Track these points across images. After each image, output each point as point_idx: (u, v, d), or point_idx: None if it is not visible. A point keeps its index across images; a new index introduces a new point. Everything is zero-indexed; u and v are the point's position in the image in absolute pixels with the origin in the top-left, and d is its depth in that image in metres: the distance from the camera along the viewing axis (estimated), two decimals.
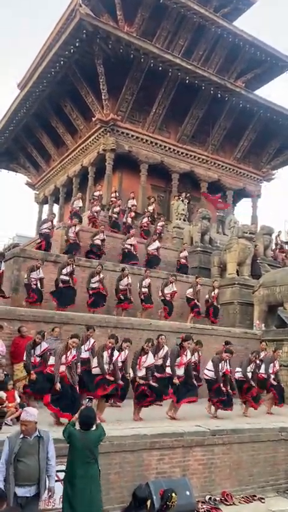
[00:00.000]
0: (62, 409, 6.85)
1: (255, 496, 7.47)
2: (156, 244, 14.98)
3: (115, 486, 6.27)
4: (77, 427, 4.98)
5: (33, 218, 36.07)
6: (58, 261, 12.24)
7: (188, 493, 6.47)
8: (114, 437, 6.40)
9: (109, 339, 7.82)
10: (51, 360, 7.30)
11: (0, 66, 70.90)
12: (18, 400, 7.30)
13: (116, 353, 7.89)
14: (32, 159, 26.23)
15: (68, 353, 7.13)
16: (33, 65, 22.56)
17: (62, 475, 5.72)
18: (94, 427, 5.03)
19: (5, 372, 7.82)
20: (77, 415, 5.08)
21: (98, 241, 14.06)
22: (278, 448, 8.20)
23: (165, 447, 6.82)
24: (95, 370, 7.72)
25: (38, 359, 7.80)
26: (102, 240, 14.18)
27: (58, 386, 6.92)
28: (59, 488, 5.48)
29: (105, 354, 7.66)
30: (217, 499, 7.07)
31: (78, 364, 7.55)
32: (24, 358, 7.80)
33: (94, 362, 7.81)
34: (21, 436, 4.48)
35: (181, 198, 19.82)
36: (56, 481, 5.61)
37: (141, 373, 7.96)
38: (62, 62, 18.33)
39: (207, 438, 7.31)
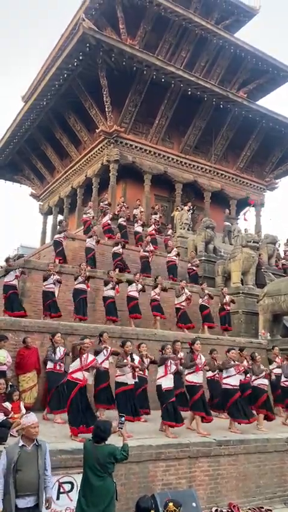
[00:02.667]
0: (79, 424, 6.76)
1: (262, 507, 7.40)
2: (175, 251, 15.17)
3: (121, 498, 6.20)
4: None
5: (38, 229, 36.37)
6: (62, 272, 12.28)
7: (194, 504, 6.43)
8: None
9: (125, 345, 7.73)
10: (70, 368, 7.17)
11: (5, 78, 71.85)
12: (23, 411, 7.28)
13: (135, 357, 7.84)
14: (37, 170, 26.45)
15: (84, 356, 7.00)
16: (37, 78, 22.88)
17: (67, 487, 5.71)
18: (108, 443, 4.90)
19: (11, 383, 7.82)
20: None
21: (118, 251, 14.20)
22: (285, 458, 8.15)
23: (171, 458, 6.79)
24: (120, 379, 7.53)
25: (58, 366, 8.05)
26: (122, 253, 14.33)
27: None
28: (64, 501, 5.46)
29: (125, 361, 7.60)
30: (224, 510, 7.01)
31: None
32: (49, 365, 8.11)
33: (119, 370, 7.60)
34: (21, 444, 4.42)
35: (186, 208, 19.91)
36: (62, 492, 5.60)
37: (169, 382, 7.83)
38: (65, 75, 18.57)
39: (213, 449, 7.27)
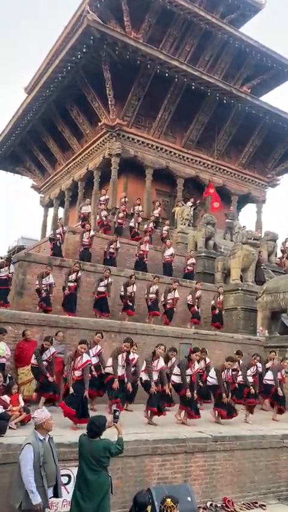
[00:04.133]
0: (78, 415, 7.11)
1: (256, 502, 7.50)
2: (171, 250, 15.09)
3: (117, 491, 6.29)
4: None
5: (39, 221, 36.35)
6: (63, 266, 12.33)
7: (189, 498, 6.51)
8: None
9: (124, 343, 8.28)
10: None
11: (8, 69, 71.43)
12: (22, 403, 7.34)
13: (132, 355, 8.47)
14: (38, 162, 26.40)
15: (78, 358, 7.36)
16: (41, 70, 22.76)
17: (64, 479, 5.79)
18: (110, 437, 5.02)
19: (10, 376, 7.89)
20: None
21: (112, 250, 14.14)
22: (280, 455, 8.23)
23: (167, 453, 6.87)
24: (107, 369, 8.23)
25: (45, 363, 7.95)
26: (117, 249, 14.26)
27: (71, 390, 7.20)
28: (62, 493, 5.54)
29: (120, 357, 8.12)
30: (218, 505, 7.10)
31: (92, 367, 7.93)
32: (33, 361, 8.03)
33: (109, 362, 8.28)
34: (41, 437, 4.60)
35: (189, 203, 19.90)
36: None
37: (155, 377, 8.19)
38: (69, 67, 18.48)
39: (209, 444, 7.35)
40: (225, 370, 8.90)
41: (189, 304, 13.30)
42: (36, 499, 4.32)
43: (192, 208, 19.89)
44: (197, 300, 13.25)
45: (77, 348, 7.49)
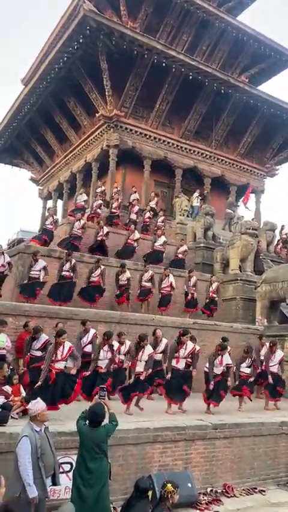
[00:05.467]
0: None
1: (255, 488, 7.62)
2: (163, 239, 15.09)
3: (118, 478, 6.42)
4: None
5: (38, 213, 36.35)
6: (61, 257, 12.37)
7: (190, 485, 6.63)
8: (118, 431, 6.49)
9: (104, 336, 8.46)
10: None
11: (5, 61, 70.84)
12: (23, 394, 7.44)
13: (115, 344, 8.59)
14: (36, 154, 26.33)
15: (60, 348, 7.30)
16: (37, 61, 22.60)
17: (66, 467, 5.89)
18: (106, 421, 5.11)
19: (11, 367, 7.97)
20: (91, 405, 5.20)
21: (100, 238, 14.14)
22: (279, 441, 8.35)
23: (168, 440, 6.97)
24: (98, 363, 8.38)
25: (39, 353, 7.96)
26: (106, 234, 14.23)
27: (39, 384, 7.14)
28: (63, 480, 5.64)
29: (102, 352, 8.33)
30: (218, 491, 7.22)
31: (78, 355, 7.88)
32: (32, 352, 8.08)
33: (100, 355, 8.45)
34: (37, 429, 4.62)
35: (196, 194, 19.88)
36: (61, 472, 5.77)
37: (140, 367, 8.27)
38: (65, 58, 18.36)
39: (209, 432, 7.45)
40: (219, 357, 8.92)
41: (186, 293, 13.36)
42: (33, 491, 4.35)
43: (199, 199, 19.89)
44: (193, 288, 13.28)
45: (56, 340, 7.31)
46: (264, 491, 7.59)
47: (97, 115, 19.38)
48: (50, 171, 25.86)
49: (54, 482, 4.84)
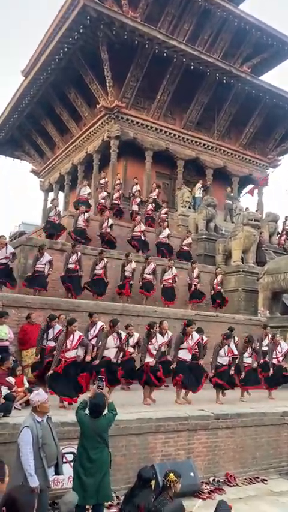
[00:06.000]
0: (61, 393, 7.17)
1: (258, 477, 7.67)
2: (167, 231, 15.07)
3: (121, 468, 6.47)
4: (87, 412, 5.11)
5: (39, 206, 36.32)
6: (64, 249, 12.37)
7: (192, 474, 6.68)
8: (120, 421, 6.56)
9: (110, 323, 8.28)
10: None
11: (5, 51, 70.40)
12: (26, 385, 7.49)
13: (123, 334, 8.47)
14: (37, 146, 26.23)
15: (71, 337, 7.34)
16: (37, 52, 22.40)
17: (69, 457, 5.93)
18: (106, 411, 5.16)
19: (14, 358, 8.01)
20: (90, 395, 5.20)
21: (105, 229, 14.08)
22: (281, 431, 8.38)
23: (170, 431, 7.01)
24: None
25: (53, 343, 8.00)
26: (110, 226, 14.17)
27: (51, 372, 7.22)
28: (66, 469, 5.68)
29: (111, 339, 8.13)
30: (221, 480, 7.28)
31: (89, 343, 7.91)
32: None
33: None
34: (39, 420, 4.65)
35: (199, 185, 19.82)
36: (64, 462, 5.82)
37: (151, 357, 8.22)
38: (66, 49, 18.21)
39: (211, 422, 7.49)
40: (225, 347, 8.96)
41: (189, 284, 13.34)
42: (34, 481, 4.39)
43: (201, 190, 19.82)
44: (196, 280, 13.27)
45: (68, 328, 7.40)
46: (266, 480, 7.65)
47: (98, 106, 19.27)
48: (51, 163, 25.78)
49: (57, 472, 4.89)
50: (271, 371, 9.89)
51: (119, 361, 8.37)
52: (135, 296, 12.69)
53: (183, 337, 8.56)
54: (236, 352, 9.25)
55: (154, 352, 8.18)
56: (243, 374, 9.42)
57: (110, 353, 8.18)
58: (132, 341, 9.18)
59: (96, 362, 8.08)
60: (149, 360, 8.18)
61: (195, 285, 13.28)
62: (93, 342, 8.63)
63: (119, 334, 8.35)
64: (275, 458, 8.21)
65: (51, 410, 5.01)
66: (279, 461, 8.26)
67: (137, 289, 12.60)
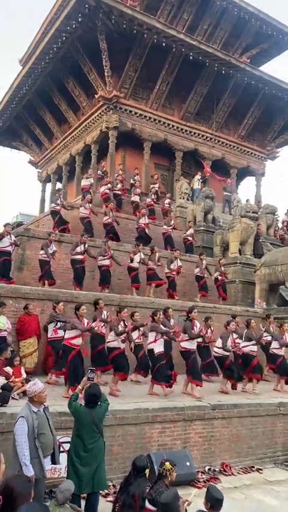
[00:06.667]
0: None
1: (253, 467, 7.78)
2: (172, 223, 15.21)
3: (118, 457, 6.56)
4: (82, 402, 5.15)
5: (37, 196, 36.20)
6: (62, 240, 12.37)
7: (188, 463, 6.76)
8: (117, 411, 6.65)
9: (122, 311, 8.29)
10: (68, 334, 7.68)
11: (2, 41, 69.67)
12: (24, 375, 7.53)
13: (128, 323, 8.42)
14: (35, 136, 26.07)
15: (84, 321, 7.52)
16: (35, 41, 22.15)
17: (66, 446, 5.99)
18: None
19: (12, 349, 8.04)
20: (80, 387, 5.25)
21: (108, 221, 14.07)
22: (276, 422, 8.48)
23: (167, 421, 7.08)
24: (112, 344, 8.12)
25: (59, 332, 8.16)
26: (111, 222, 14.17)
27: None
28: (63, 459, 5.74)
29: (120, 327, 8.12)
30: (216, 469, 7.37)
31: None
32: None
33: (110, 336, 8.18)
34: (35, 409, 4.68)
35: (198, 176, 19.80)
36: (62, 451, 5.87)
37: (160, 347, 8.23)
38: (64, 38, 18.03)
39: (207, 412, 7.57)
40: (230, 335, 9.00)
41: (198, 276, 13.27)
42: (30, 471, 4.42)
43: (200, 181, 19.79)
44: (205, 271, 13.26)
45: (77, 313, 7.56)
46: (261, 469, 7.75)
47: (96, 96, 19.13)
48: (49, 154, 25.65)
49: (54, 461, 4.93)
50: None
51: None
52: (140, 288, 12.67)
53: (191, 323, 8.52)
54: (238, 341, 9.31)
55: (161, 343, 8.22)
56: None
57: (119, 343, 8.14)
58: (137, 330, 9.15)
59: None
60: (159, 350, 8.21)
61: (206, 277, 13.28)
62: (103, 330, 8.60)
63: (124, 323, 8.33)
64: (270, 448, 8.31)
65: (49, 400, 5.05)
66: (274, 450, 8.37)
67: (143, 281, 12.60)
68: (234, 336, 9.21)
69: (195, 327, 8.50)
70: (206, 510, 4.02)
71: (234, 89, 20.90)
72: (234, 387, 9.28)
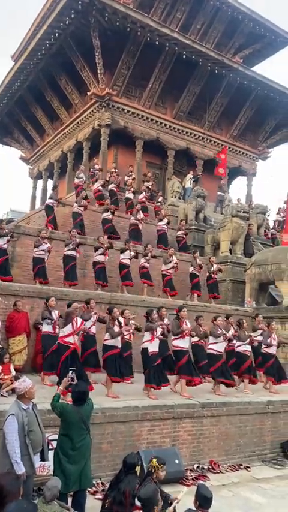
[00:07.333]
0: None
1: (241, 465, 7.82)
2: (165, 221, 15.14)
3: (107, 455, 6.55)
4: (65, 399, 5.14)
5: (28, 193, 35.97)
6: (53, 238, 12.30)
7: (177, 461, 6.78)
8: (107, 409, 6.64)
9: (112, 311, 8.05)
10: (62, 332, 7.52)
11: None
12: (13, 372, 7.49)
13: (121, 319, 8.13)
14: (26, 133, 25.92)
15: (75, 320, 7.38)
16: (28, 36, 22.04)
17: (55, 444, 5.97)
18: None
19: (1, 346, 8.00)
20: (62, 388, 5.22)
21: (108, 217, 14.04)
22: (265, 420, 8.53)
23: (156, 418, 7.09)
24: (109, 342, 7.84)
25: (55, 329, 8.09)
26: (113, 212, 14.16)
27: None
28: (52, 456, 5.73)
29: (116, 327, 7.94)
30: (205, 467, 7.40)
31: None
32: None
33: (106, 335, 7.94)
34: (24, 407, 4.67)
35: (190, 175, 19.83)
36: (50, 449, 5.85)
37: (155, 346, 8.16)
38: (57, 34, 17.93)
39: (196, 410, 7.59)
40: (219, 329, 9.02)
41: (193, 274, 13.17)
42: (20, 468, 4.43)
43: (192, 181, 19.83)
44: (199, 269, 13.24)
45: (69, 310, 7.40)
46: (249, 467, 7.80)
47: (89, 93, 19.06)
48: (41, 150, 25.52)
49: (43, 458, 4.94)
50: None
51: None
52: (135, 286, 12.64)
53: (179, 322, 8.52)
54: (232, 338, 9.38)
55: (156, 343, 8.14)
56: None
57: (117, 342, 7.92)
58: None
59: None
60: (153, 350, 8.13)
61: (199, 275, 13.27)
62: (93, 329, 8.38)
63: (119, 323, 8.09)
64: (258, 446, 8.36)
65: (37, 398, 5.04)
66: (262, 449, 8.42)
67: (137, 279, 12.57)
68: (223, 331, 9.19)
69: (184, 325, 8.49)
70: (195, 509, 4.04)
71: (226, 89, 20.96)
72: (252, 382, 9.43)
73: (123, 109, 19.45)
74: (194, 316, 10.13)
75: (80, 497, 5.02)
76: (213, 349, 8.96)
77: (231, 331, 9.45)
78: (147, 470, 4.63)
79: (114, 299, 10.81)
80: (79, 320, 7.48)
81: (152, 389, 7.85)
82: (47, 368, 8.03)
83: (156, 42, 18.09)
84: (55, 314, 8.34)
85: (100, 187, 16.25)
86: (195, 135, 21.62)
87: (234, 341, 9.62)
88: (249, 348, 9.60)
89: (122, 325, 7.99)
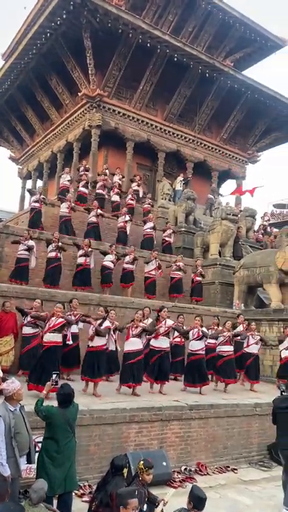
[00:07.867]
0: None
1: (228, 467, 7.85)
2: (151, 224, 15.09)
3: (95, 457, 6.52)
4: (47, 402, 5.11)
5: (17, 193, 35.76)
6: (41, 238, 12.23)
7: (164, 463, 6.78)
8: (95, 411, 6.61)
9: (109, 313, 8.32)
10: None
11: None
12: (1, 373, 7.38)
13: (106, 322, 8.16)
14: (16, 132, 25.75)
15: (53, 318, 7.40)
16: (19, 35, 21.91)
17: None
18: None
19: None
20: (45, 392, 5.21)
21: (93, 219, 13.93)
22: (252, 422, 8.57)
23: (144, 421, 7.08)
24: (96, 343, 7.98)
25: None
26: (99, 216, 14.06)
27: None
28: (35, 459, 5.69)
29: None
30: (192, 469, 7.41)
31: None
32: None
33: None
34: (12, 408, 4.62)
35: (180, 178, 19.86)
36: (37, 451, 5.80)
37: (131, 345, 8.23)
38: (48, 34, 17.84)
39: (184, 412, 7.60)
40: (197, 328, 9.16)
41: (171, 277, 13.38)
42: (6, 470, 4.39)
43: (182, 183, 19.85)
44: (181, 273, 13.31)
45: (53, 309, 7.50)
46: (236, 469, 7.83)
47: (79, 94, 19.00)
48: (30, 150, 25.38)
49: (30, 461, 4.90)
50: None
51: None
52: (114, 288, 12.65)
53: (156, 323, 8.64)
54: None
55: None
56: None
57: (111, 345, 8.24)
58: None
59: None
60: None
61: (177, 278, 13.32)
62: (75, 329, 8.52)
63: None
64: (245, 448, 8.40)
65: (25, 399, 5.00)
66: (249, 451, 8.46)
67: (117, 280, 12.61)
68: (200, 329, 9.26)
69: (161, 325, 8.62)
70: (188, 509, 4.03)
71: (217, 92, 21.07)
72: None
73: (114, 110, 19.43)
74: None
75: (67, 499, 4.99)
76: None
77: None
78: (135, 472, 4.63)
79: (104, 300, 10.77)
80: (60, 319, 7.47)
81: (128, 388, 8.05)
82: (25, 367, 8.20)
83: (148, 44, 18.11)
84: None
85: (82, 188, 15.98)
86: (185, 137, 21.69)
87: (213, 340, 9.80)
88: (229, 348, 9.78)
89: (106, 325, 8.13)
